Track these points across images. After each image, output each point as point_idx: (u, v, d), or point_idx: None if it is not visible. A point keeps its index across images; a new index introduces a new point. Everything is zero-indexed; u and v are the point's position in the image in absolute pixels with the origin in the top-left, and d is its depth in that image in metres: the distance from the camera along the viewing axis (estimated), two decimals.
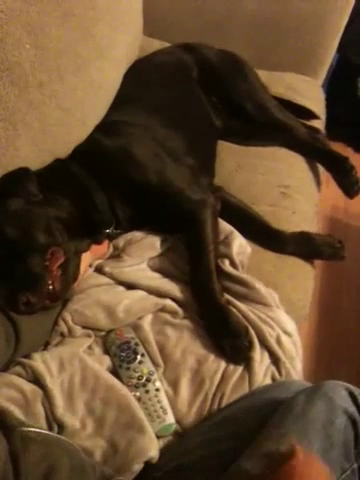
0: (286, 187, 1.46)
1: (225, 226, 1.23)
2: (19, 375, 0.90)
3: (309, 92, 1.82)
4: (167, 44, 1.80)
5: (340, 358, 1.85)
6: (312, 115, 1.74)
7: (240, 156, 1.54)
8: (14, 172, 1.07)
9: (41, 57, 1.07)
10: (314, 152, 1.59)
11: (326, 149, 1.59)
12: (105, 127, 1.31)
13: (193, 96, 1.54)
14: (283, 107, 1.64)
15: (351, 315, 1.99)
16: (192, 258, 1.15)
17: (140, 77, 1.52)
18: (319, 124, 1.75)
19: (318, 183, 1.59)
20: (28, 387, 0.88)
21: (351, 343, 1.91)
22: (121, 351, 1.01)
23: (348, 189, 1.50)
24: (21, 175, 1.08)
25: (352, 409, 0.82)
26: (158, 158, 1.25)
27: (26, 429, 0.73)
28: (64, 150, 1.21)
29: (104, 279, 1.14)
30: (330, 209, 2.36)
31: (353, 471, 0.79)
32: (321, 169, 1.62)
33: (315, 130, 1.68)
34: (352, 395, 0.84)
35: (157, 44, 1.82)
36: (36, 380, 0.90)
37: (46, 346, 1.03)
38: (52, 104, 1.13)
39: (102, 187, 1.17)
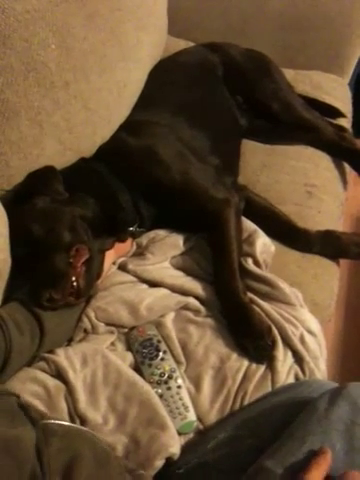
0: (312, 186, 1.44)
1: (249, 225, 1.22)
2: (43, 370, 0.92)
3: (335, 90, 1.80)
4: (192, 44, 1.81)
5: None
6: (339, 113, 1.71)
7: (265, 155, 1.53)
8: (40, 171, 1.09)
9: (66, 57, 1.08)
10: (341, 151, 1.57)
11: (353, 148, 1.57)
12: (130, 126, 1.32)
13: (218, 95, 1.53)
14: (309, 106, 1.63)
15: None
16: (215, 257, 1.15)
17: (165, 76, 1.53)
18: (346, 123, 1.72)
19: (344, 182, 1.57)
20: (51, 382, 0.89)
21: None
22: (143, 348, 1.01)
23: None
24: (47, 174, 1.10)
25: None
26: (182, 157, 1.25)
27: (48, 422, 0.74)
28: (89, 149, 1.22)
29: (127, 277, 1.14)
30: (357, 209, 2.32)
31: None
32: (348, 168, 1.60)
33: (342, 129, 1.66)
34: None
35: (182, 44, 1.82)
36: (59, 375, 0.91)
37: (70, 342, 1.04)
38: (77, 104, 1.15)
39: (126, 186, 1.18)
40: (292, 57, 1.87)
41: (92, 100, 1.18)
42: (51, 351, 0.97)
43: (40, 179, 1.08)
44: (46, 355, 0.95)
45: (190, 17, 1.92)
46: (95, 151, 1.25)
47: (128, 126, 1.33)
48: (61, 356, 0.94)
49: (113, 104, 1.26)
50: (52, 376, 0.91)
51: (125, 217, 1.17)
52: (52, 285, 0.97)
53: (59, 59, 1.06)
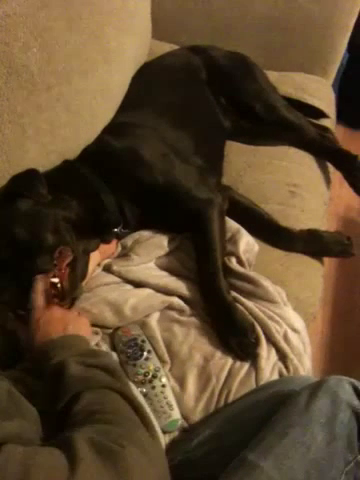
0: (295, 186, 1.46)
1: (232, 224, 1.24)
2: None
3: (319, 91, 1.82)
4: (177, 47, 1.82)
5: (354, 357, 1.83)
6: (322, 114, 1.74)
7: (249, 156, 1.54)
8: (23, 173, 1.09)
9: (48, 60, 1.09)
10: (323, 151, 1.59)
11: (335, 148, 1.59)
12: (113, 128, 1.33)
13: (201, 97, 1.55)
14: (292, 107, 1.65)
15: None
16: (199, 256, 1.16)
17: (148, 79, 1.54)
18: (329, 123, 1.74)
19: (328, 182, 1.59)
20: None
21: None
22: (128, 348, 1.02)
23: (358, 188, 1.50)
24: (30, 176, 1.10)
25: (356, 403, 0.82)
26: (166, 158, 1.26)
27: None
28: (72, 151, 1.23)
29: (112, 278, 1.15)
30: (344, 209, 2.35)
31: (357, 463, 0.79)
32: (332, 168, 1.62)
33: (325, 129, 1.68)
34: (356, 390, 0.84)
35: (167, 47, 1.83)
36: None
37: None
38: (60, 107, 1.15)
39: (110, 187, 1.18)
40: (275, 59, 1.89)
41: (75, 103, 1.19)
42: None
43: (23, 182, 1.08)
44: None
45: (174, 20, 1.93)
46: (79, 153, 1.26)
47: (112, 128, 1.33)
48: None
49: (96, 107, 1.27)
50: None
51: (109, 218, 1.18)
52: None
53: (41, 62, 1.07)
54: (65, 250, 1.03)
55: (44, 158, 1.15)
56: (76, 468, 0.59)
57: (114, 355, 1.02)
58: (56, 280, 0.99)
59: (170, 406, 0.95)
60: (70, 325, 0.91)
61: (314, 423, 0.80)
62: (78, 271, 1.06)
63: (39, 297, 0.95)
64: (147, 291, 1.12)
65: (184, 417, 0.97)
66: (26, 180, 1.09)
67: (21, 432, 0.66)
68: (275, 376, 1.04)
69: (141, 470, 0.64)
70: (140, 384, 0.97)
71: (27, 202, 1.07)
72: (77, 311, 1.01)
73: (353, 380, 0.87)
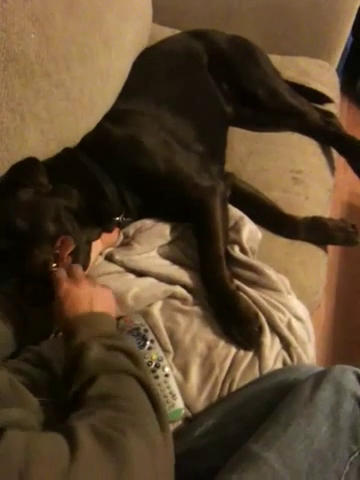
0: (299, 172, 1.44)
1: (235, 212, 1.22)
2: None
3: (323, 76, 1.80)
4: (178, 32, 1.79)
5: (358, 345, 1.83)
6: (326, 99, 1.71)
7: (252, 142, 1.53)
8: (23, 162, 1.08)
9: (47, 47, 1.07)
10: (327, 136, 1.57)
11: (339, 133, 1.57)
12: (114, 116, 1.31)
13: (203, 83, 1.52)
14: (296, 92, 1.62)
15: None
16: (201, 245, 1.15)
17: (149, 65, 1.52)
18: (333, 108, 1.72)
19: (332, 168, 1.57)
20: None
21: None
22: (130, 337, 1.01)
23: None
24: (30, 165, 1.09)
25: None
26: (167, 146, 1.25)
27: None
28: (72, 139, 1.22)
29: (114, 267, 1.14)
30: (349, 195, 2.33)
31: None
32: (336, 154, 1.60)
33: (329, 114, 1.66)
34: None
35: (168, 32, 1.81)
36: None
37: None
38: (59, 94, 1.14)
39: (111, 176, 1.17)
40: (278, 43, 1.87)
41: (74, 90, 1.17)
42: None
43: (23, 171, 1.07)
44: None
45: (175, 5, 1.91)
46: (79, 141, 1.24)
47: (112, 115, 1.32)
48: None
49: (96, 93, 1.25)
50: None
51: (110, 207, 1.17)
52: (37, 277, 0.96)
53: (39, 49, 1.05)
54: (67, 239, 1.02)
55: (44, 146, 1.13)
56: (77, 454, 0.60)
57: None
58: (60, 269, 0.98)
59: (173, 396, 0.95)
60: (96, 301, 0.89)
61: (318, 414, 0.80)
62: (80, 260, 1.05)
63: (63, 272, 0.94)
64: (149, 280, 1.11)
65: (187, 406, 0.97)
66: (26, 169, 1.08)
67: (21, 419, 0.66)
68: (279, 365, 1.03)
69: (141, 458, 0.64)
70: None
71: (27, 191, 1.06)
72: (101, 285, 0.98)
73: (357, 369, 0.86)
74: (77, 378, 0.75)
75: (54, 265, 0.97)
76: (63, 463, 0.59)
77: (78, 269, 0.95)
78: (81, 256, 1.06)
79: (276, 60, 1.72)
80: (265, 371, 1.00)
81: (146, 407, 0.72)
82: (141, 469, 0.63)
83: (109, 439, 0.63)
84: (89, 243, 1.12)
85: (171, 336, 1.04)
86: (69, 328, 0.84)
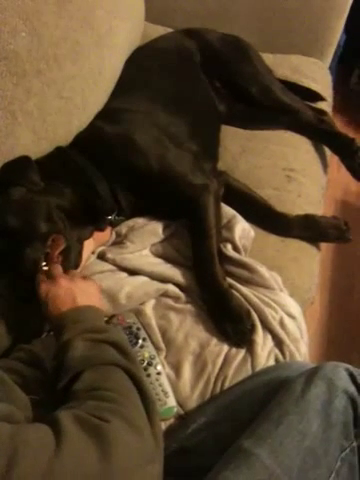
0: (291, 170, 1.44)
1: (228, 210, 1.22)
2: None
3: (315, 74, 1.80)
4: (171, 30, 1.79)
5: (352, 342, 1.83)
6: (318, 97, 1.71)
7: (245, 140, 1.53)
8: (15, 161, 1.08)
9: (38, 45, 1.07)
10: (320, 134, 1.57)
11: (332, 131, 1.57)
12: (106, 114, 1.31)
13: (196, 81, 1.53)
14: (288, 90, 1.62)
15: None
16: (194, 243, 1.15)
17: (142, 63, 1.52)
18: (326, 106, 1.72)
19: (325, 166, 1.58)
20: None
21: None
22: None
23: (356, 171, 1.48)
24: (22, 164, 1.09)
25: (352, 389, 0.82)
26: (160, 144, 1.25)
27: None
28: (65, 138, 1.21)
29: (107, 266, 1.14)
30: (342, 193, 2.33)
31: (352, 450, 0.79)
32: (329, 152, 1.60)
33: (322, 112, 1.66)
34: (352, 376, 0.84)
35: (161, 30, 1.81)
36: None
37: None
38: (51, 92, 1.13)
39: (104, 174, 1.17)
40: (271, 41, 1.87)
41: (66, 88, 1.17)
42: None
43: (15, 169, 1.07)
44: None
45: (168, 3, 1.91)
46: (71, 140, 1.24)
47: (105, 114, 1.32)
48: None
49: (88, 92, 1.25)
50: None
51: (103, 205, 1.16)
52: (28, 276, 0.96)
53: (30, 47, 1.05)
54: (58, 238, 1.02)
55: (36, 145, 1.13)
56: (62, 442, 0.61)
57: None
58: (46, 268, 0.98)
59: (165, 393, 0.95)
60: (78, 295, 0.90)
61: (310, 410, 0.80)
62: (71, 259, 1.05)
63: (39, 275, 0.95)
64: (142, 279, 1.12)
65: (180, 404, 0.97)
66: (18, 167, 1.08)
67: (9, 415, 0.67)
68: (271, 362, 1.03)
69: (126, 446, 0.65)
70: None
71: (19, 190, 1.06)
72: (82, 277, 0.98)
73: (349, 366, 0.87)
74: (63, 375, 0.76)
75: (44, 264, 0.97)
76: (49, 450, 0.61)
77: (55, 268, 0.96)
78: (72, 255, 1.05)
79: (269, 58, 1.73)
80: (257, 368, 1.00)
81: (131, 396, 0.73)
82: (126, 454, 0.64)
83: (93, 426, 0.65)
84: (81, 242, 1.11)
85: (164, 334, 1.04)
86: (56, 326, 0.85)
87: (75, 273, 0.99)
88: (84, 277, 0.98)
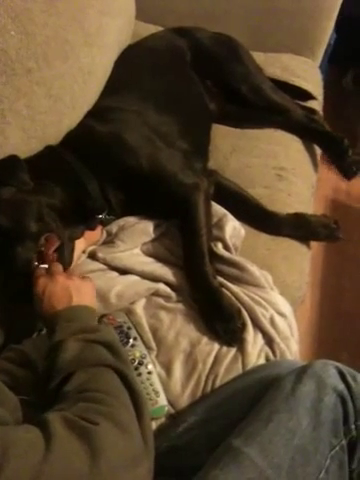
0: (281, 169, 1.45)
1: (218, 209, 1.22)
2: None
3: (306, 73, 1.81)
4: (162, 29, 1.79)
5: (342, 341, 1.84)
6: (309, 96, 1.72)
7: (236, 139, 1.53)
8: (4, 160, 1.08)
9: (27, 44, 1.06)
10: (310, 133, 1.58)
11: (322, 130, 1.58)
12: (96, 113, 1.31)
13: (187, 80, 1.52)
14: (279, 89, 1.63)
15: (353, 297, 1.98)
16: (184, 242, 1.15)
17: (132, 62, 1.52)
18: (316, 105, 1.73)
19: (315, 165, 1.58)
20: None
21: (353, 326, 1.90)
22: None
23: (345, 171, 1.49)
24: (11, 163, 1.08)
25: (341, 387, 0.82)
26: (150, 143, 1.25)
27: None
28: (54, 137, 1.21)
29: (97, 265, 1.14)
30: (332, 191, 2.34)
31: (342, 447, 0.79)
32: (319, 151, 1.61)
33: (312, 111, 1.67)
34: (341, 374, 0.84)
35: (151, 29, 1.80)
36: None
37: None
38: (41, 91, 1.13)
39: (94, 173, 1.17)
40: (262, 40, 1.87)
41: (55, 87, 1.17)
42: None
43: (4, 169, 1.07)
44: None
45: (159, 2, 1.90)
46: (62, 138, 1.24)
47: (95, 112, 1.31)
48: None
49: (78, 91, 1.25)
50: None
51: (93, 204, 1.16)
52: (20, 275, 0.96)
53: (19, 45, 1.04)
54: (51, 237, 1.02)
55: (25, 144, 1.13)
56: (51, 443, 0.62)
57: None
58: (46, 266, 0.98)
59: (156, 393, 0.95)
60: (74, 294, 0.90)
61: (299, 408, 0.80)
62: (65, 257, 1.05)
63: (39, 269, 0.95)
64: (133, 278, 1.12)
65: (171, 403, 0.97)
66: (7, 167, 1.08)
67: None
68: (262, 360, 1.03)
69: (115, 448, 0.65)
70: None
71: (9, 190, 1.05)
72: (81, 276, 0.99)
73: (338, 364, 0.87)
74: (54, 376, 0.76)
75: (38, 263, 0.96)
76: (38, 453, 0.61)
77: (55, 265, 0.96)
78: (66, 253, 1.05)
79: (260, 57, 1.73)
80: (248, 367, 1.01)
81: (122, 397, 0.73)
82: (115, 456, 0.64)
83: (82, 429, 0.65)
84: (72, 241, 1.11)
85: (154, 333, 1.04)
86: (49, 324, 0.85)
87: (73, 271, 0.99)
88: (82, 276, 0.99)
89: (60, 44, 1.16)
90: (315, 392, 0.82)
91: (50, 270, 0.94)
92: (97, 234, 1.20)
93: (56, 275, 0.93)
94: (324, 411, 0.80)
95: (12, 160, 1.08)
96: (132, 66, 1.50)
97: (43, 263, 0.98)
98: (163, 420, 0.96)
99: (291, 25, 1.87)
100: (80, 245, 1.15)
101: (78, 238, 1.14)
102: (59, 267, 0.96)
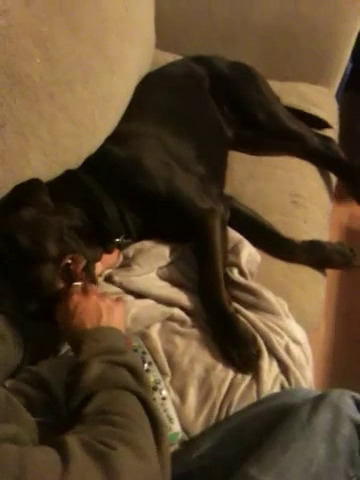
0: (297, 196, 1.45)
1: (234, 235, 1.23)
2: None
3: (322, 102, 1.82)
4: (180, 57, 1.82)
5: (356, 367, 1.82)
6: (325, 124, 1.73)
7: (252, 165, 1.54)
8: (26, 183, 1.09)
9: (51, 70, 1.09)
10: (326, 161, 1.59)
11: (338, 158, 1.59)
12: (115, 137, 1.33)
13: (204, 106, 1.55)
14: (295, 117, 1.65)
15: None
16: (200, 267, 1.16)
17: (151, 87, 1.54)
18: (332, 133, 1.74)
19: (330, 192, 1.59)
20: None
21: None
22: None
23: None
24: (33, 185, 1.10)
25: (358, 417, 0.82)
26: (167, 167, 1.26)
27: None
28: (75, 161, 1.23)
29: (113, 288, 1.15)
30: (348, 218, 2.34)
31: (358, 479, 0.78)
32: (334, 178, 1.62)
33: (328, 139, 1.68)
34: (358, 403, 0.84)
35: (170, 57, 1.83)
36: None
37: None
38: (63, 116, 1.15)
39: (112, 197, 1.18)
40: (278, 68, 1.89)
41: (77, 113, 1.19)
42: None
43: (26, 191, 1.08)
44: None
45: (177, 30, 1.94)
46: (82, 163, 1.26)
47: (114, 137, 1.33)
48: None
49: (99, 117, 1.27)
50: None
51: (111, 228, 1.17)
52: (42, 295, 0.97)
53: (44, 72, 1.07)
54: (77, 256, 1.02)
55: (47, 168, 1.14)
56: (68, 465, 0.62)
57: None
58: (79, 284, 0.98)
59: (170, 419, 0.94)
60: (105, 315, 0.90)
61: (316, 437, 0.80)
62: (92, 275, 1.06)
63: (76, 286, 0.96)
64: (148, 302, 1.12)
65: (184, 430, 0.96)
66: (29, 189, 1.09)
67: (16, 435, 0.67)
68: (277, 389, 1.03)
69: (132, 473, 0.65)
70: None
71: (31, 210, 1.06)
72: (114, 298, 1.00)
73: (355, 394, 0.86)
74: (76, 395, 0.76)
75: (66, 283, 0.98)
76: (56, 474, 0.61)
77: (89, 284, 0.97)
78: (92, 271, 1.06)
79: (276, 86, 1.75)
80: (263, 395, 1.00)
81: (142, 422, 0.73)
82: None
83: (100, 453, 0.65)
84: (93, 262, 1.12)
85: (169, 358, 1.04)
86: (75, 342, 0.85)
87: (107, 293, 1.00)
88: (116, 298, 1.01)
89: (83, 71, 1.19)
90: (332, 422, 0.81)
91: (85, 288, 0.96)
92: (113, 257, 1.21)
93: (90, 293, 0.94)
94: (341, 441, 0.79)
95: (34, 182, 1.10)
96: (152, 92, 1.53)
97: (74, 281, 0.99)
98: (177, 446, 0.95)
99: (307, 54, 1.88)
100: (97, 268, 1.16)
101: (98, 260, 1.14)
102: (94, 286, 0.98)
